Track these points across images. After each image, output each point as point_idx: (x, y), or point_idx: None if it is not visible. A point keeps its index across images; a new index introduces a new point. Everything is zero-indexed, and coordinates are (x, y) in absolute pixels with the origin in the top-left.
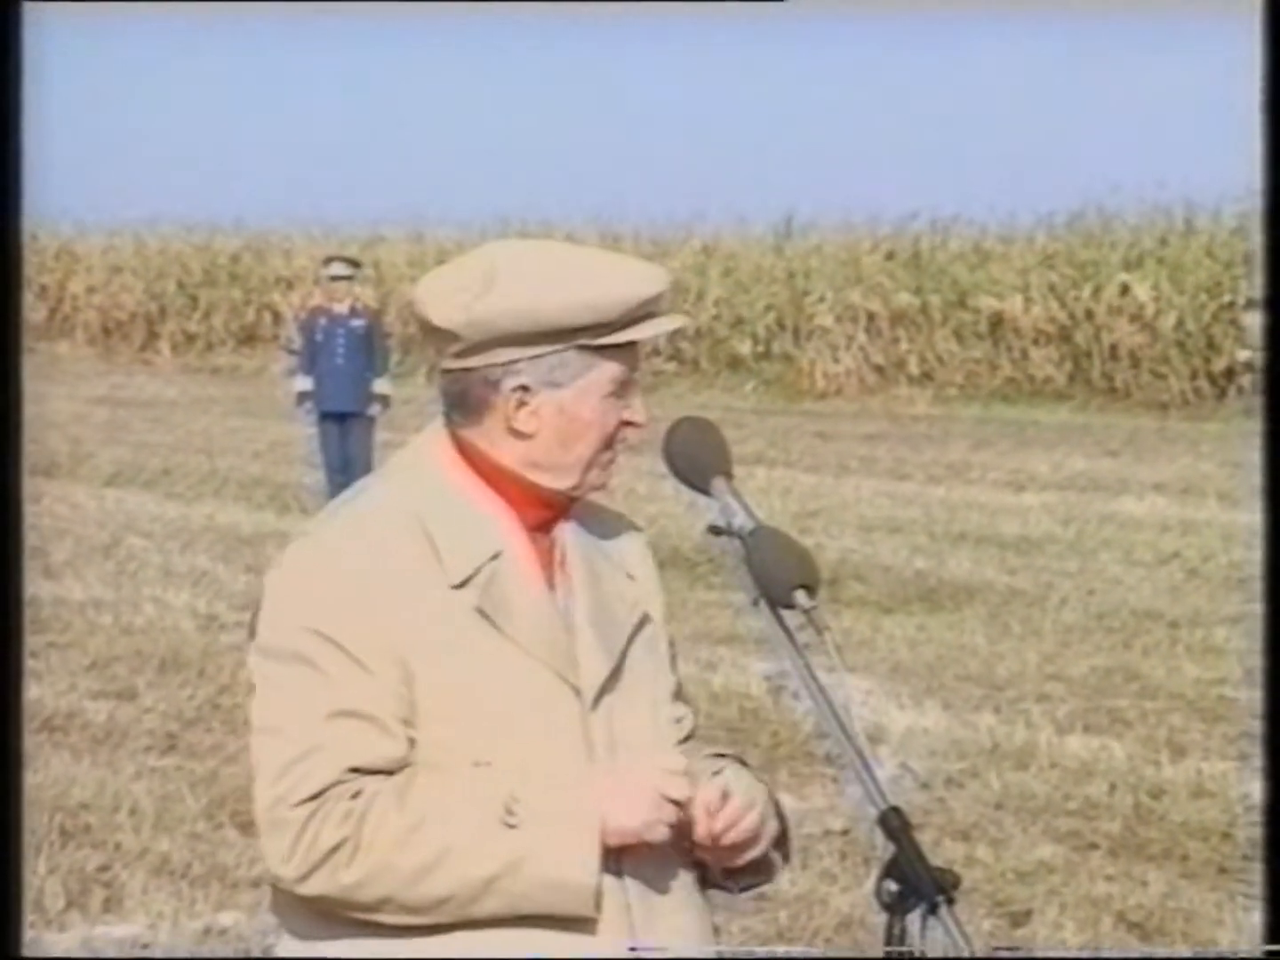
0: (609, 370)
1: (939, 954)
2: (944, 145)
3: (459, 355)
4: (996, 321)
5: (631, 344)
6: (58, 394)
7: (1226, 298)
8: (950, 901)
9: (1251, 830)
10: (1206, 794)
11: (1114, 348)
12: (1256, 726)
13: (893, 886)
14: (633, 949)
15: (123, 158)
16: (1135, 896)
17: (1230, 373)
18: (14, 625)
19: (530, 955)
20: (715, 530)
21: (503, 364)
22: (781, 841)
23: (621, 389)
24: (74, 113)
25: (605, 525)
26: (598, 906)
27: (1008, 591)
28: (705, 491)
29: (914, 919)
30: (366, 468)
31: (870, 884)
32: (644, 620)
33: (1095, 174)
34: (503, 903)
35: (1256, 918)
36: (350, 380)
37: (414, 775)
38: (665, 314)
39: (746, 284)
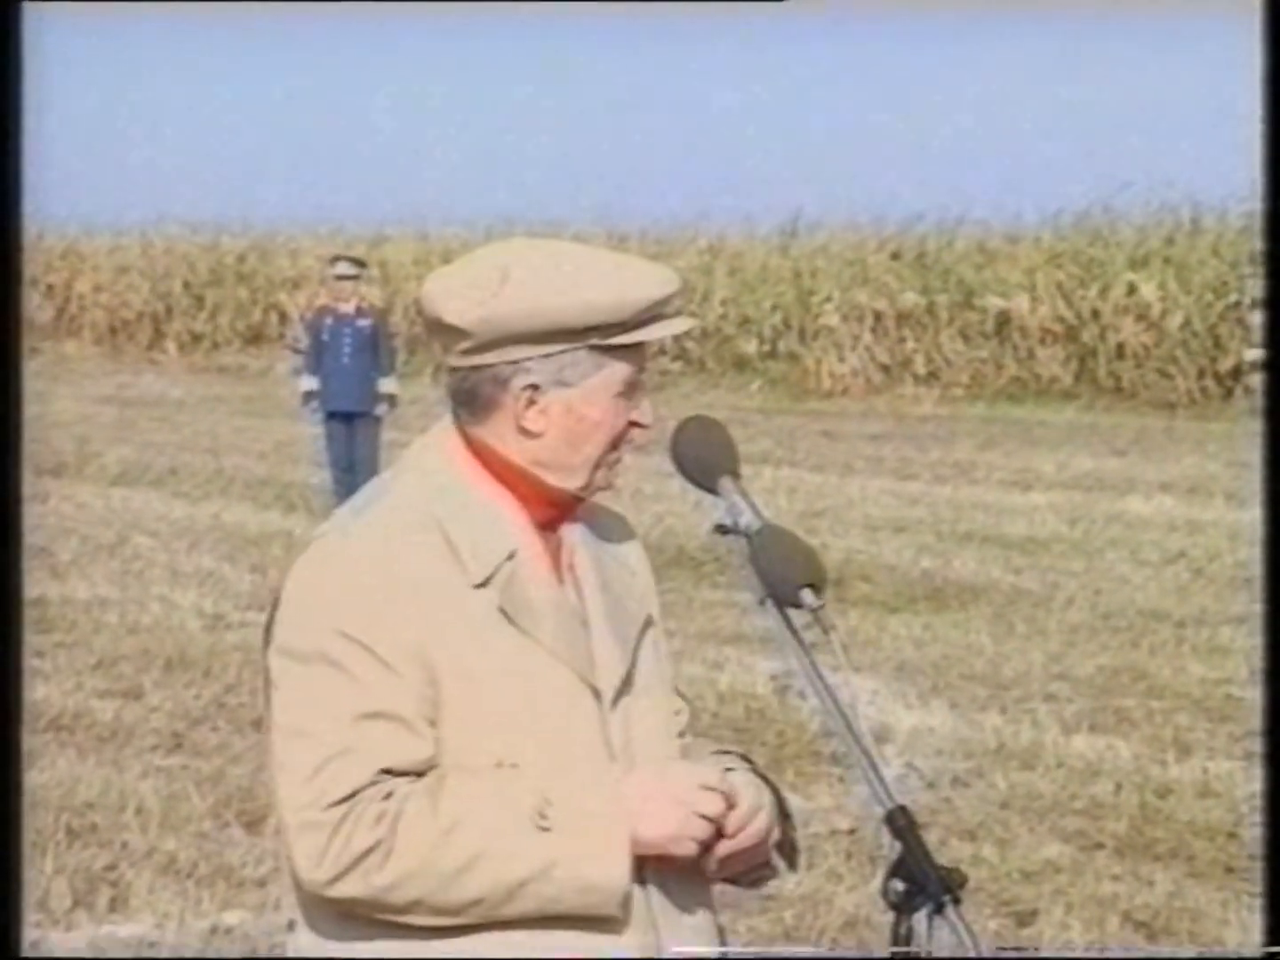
0: (619, 371)
1: (945, 953)
2: (950, 145)
3: (468, 353)
4: (1003, 321)
5: (640, 345)
6: (64, 393)
7: (1233, 297)
8: (956, 901)
9: (1257, 830)
10: (1212, 794)
11: (1120, 347)
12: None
13: (899, 886)
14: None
15: (130, 158)
16: (1141, 896)
17: (1237, 372)
18: (14, 624)
19: (557, 955)
20: (722, 529)
21: (513, 362)
22: (790, 849)
23: (630, 390)
24: (77, 113)
25: (606, 525)
26: (626, 908)
27: (1014, 591)
28: (712, 490)
29: (920, 918)
30: (372, 467)
31: (876, 883)
32: (649, 620)
33: (1101, 173)
34: (533, 905)
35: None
36: (356, 380)
37: (443, 777)
38: (676, 315)
39: (752, 284)
